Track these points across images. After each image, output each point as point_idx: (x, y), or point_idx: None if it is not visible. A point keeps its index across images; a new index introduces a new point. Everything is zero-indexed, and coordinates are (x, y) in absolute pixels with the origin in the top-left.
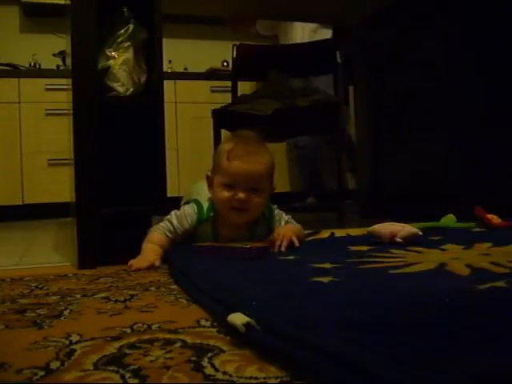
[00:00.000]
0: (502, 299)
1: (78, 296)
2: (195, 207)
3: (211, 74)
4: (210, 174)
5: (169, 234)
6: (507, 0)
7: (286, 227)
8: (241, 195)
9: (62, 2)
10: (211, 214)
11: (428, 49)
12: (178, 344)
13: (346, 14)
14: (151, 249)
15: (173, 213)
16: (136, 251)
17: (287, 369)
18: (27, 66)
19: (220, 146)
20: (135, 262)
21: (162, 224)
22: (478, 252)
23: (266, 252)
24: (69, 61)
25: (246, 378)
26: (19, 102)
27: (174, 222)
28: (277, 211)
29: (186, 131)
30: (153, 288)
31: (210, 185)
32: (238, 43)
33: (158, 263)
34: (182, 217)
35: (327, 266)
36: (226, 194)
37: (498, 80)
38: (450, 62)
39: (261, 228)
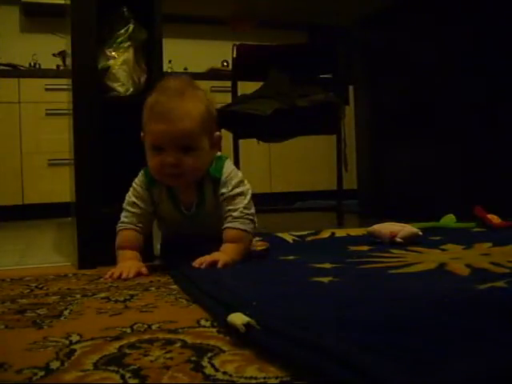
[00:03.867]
0: (502, 299)
1: (78, 296)
2: (143, 171)
3: (211, 74)
4: (142, 135)
5: (135, 227)
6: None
7: (224, 249)
8: (169, 159)
9: (62, 2)
10: None
11: (428, 48)
12: (178, 344)
13: (346, 13)
14: (130, 256)
15: (127, 196)
16: None
17: (287, 369)
18: (27, 65)
19: (147, 98)
20: (123, 271)
21: (123, 218)
22: (478, 252)
23: (266, 252)
24: (69, 61)
25: (246, 378)
26: (19, 102)
27: (131, 199)
28: (227, 170)
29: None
30: (153, 288)
31: (145, 148)
32: (238, 43)
33: (145, 270)
34: (134, 188)
35: (327, 266)
36: (155, 159)
37: (499, 80)
38: (450, 62)
39: (209, 191)
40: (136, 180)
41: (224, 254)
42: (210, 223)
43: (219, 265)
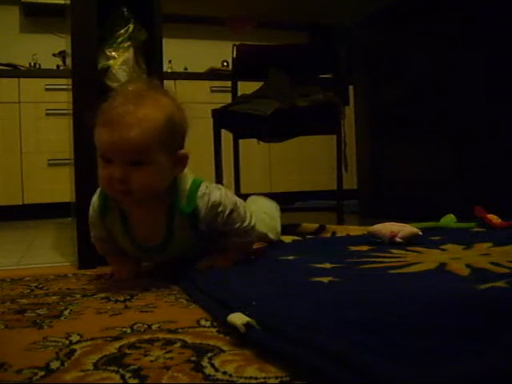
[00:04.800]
0: (502, 299)
1: (78, 296)
2: (99, 190)
3: (211, 74)
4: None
5: (100, 241)
6: (506, 1)
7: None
8: (116, 173)
9: (62, 2)
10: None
11: (428, 48)
12: (178, 344)
13: (346, 13)
14: (119, 259)
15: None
16: None
17: (287, 369)
18: (27, 65)
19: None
20: (124, 273)
21: (91, 232)
22: (478, 252)
23: (264, 253)
24: (69, 61)
25: (245, 377)
26: (19, 102)
27: (90, 221)
28: (204, 204)
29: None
30: (153, 288)
31: None
32: (238, 43)
33: (132, 274)
34: (90, 210)
35: (327, 266)
36: (104, 171)
37: (499, 80)
38: (450, 62)
39: (180, 225)
40: (93, 199)
41: (227, 260)
42: (184, 250)
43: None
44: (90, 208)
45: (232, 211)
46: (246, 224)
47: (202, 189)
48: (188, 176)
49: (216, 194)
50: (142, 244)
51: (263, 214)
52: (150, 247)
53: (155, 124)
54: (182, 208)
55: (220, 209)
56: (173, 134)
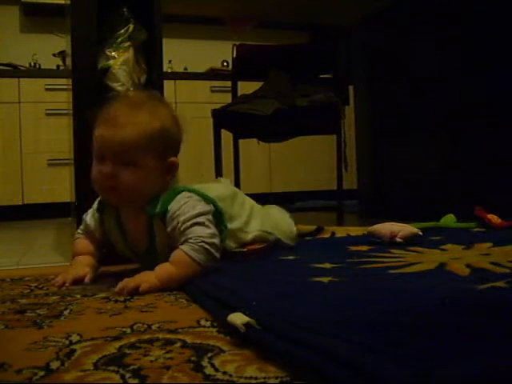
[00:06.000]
0: (502, 299)
1: (78, 296)
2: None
3: (211, 74)
4: None
5: (87, 234)
6: (505, 1)
7: (160, 268)
8: (105, 169)
9: (62, 2)
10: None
11: (428, 48)
12: (178, 344)
13: (346, 14)
14: (80, 261)
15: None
16: None
17: (287, 369)
18: (27, 65)
19: None
20: (60, 277)
21: (81, 226)
22: (478, 252)
23: (265, 253)
24: (69, 61)
25: (245, 378)
26: (19, 102)
27: (87, 218)
28: (175, 205)
29: (186, 131)
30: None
31: None
32: (238, 43)
33: (88, 278)
34: (89, 211)
35: (327, 266)
36: (95, 169)
37: (499, 80)
38: (449, 62)
39: (159, 229)
40: (95, 202)
41: (153, 276)
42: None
43: (141, 289)
44: (91, 209)
45: (202, 223)
46: (206, 240)
47: (182, 195)
48: (178, 186)
49: (195, 204)
50: (135, 248)
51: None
52: (141, 252)
53: (149, 128)
54: (151, 211)
55: (190, 214)
56: (165, 143)
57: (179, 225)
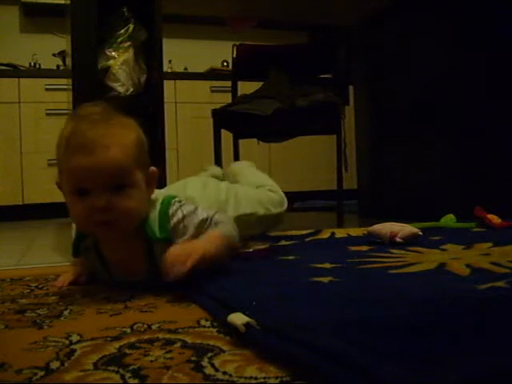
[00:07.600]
0: (502, 299)
1: (78, 296)
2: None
3: (211, 74)
4: (58, 179)
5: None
6: (505, 1)
7: (186, 243)
8: (99, 202)
9: (62, 2)
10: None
11: (428, 48)
12: (178, 344)
13: (346, 13)
14: (81, 261)
15: None
16: None
17: (287, 369)
18: (27, 65)
19: (61, 130)
20: (61, 278)
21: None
22: (478, 252)
23: (268, 253)
24: (69, 61)
25: (245, 378)
26: (19, 102)
27: None
28: (174, 213)
29: (186, 131)
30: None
31: (64, 195)
32: (238, 43)
33: (83, 278)
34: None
35: (327, 266)
36: (79, 206)
37: (499, 80)
38: (450, 62)
39: (159, 248)
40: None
41: (201, 249)
42: None
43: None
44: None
45: (206, 220)
46: (229, 227)
47: (173, 207)
48: (157, 198)
49: (189, 206)
50: (126, 278)
51: (255, 190)
52: (133, 282)
53: (129, 142)
54: (153, 236)
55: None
56: (143, 152)
57: (191, 229)
